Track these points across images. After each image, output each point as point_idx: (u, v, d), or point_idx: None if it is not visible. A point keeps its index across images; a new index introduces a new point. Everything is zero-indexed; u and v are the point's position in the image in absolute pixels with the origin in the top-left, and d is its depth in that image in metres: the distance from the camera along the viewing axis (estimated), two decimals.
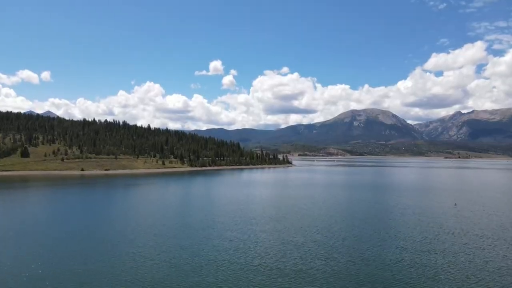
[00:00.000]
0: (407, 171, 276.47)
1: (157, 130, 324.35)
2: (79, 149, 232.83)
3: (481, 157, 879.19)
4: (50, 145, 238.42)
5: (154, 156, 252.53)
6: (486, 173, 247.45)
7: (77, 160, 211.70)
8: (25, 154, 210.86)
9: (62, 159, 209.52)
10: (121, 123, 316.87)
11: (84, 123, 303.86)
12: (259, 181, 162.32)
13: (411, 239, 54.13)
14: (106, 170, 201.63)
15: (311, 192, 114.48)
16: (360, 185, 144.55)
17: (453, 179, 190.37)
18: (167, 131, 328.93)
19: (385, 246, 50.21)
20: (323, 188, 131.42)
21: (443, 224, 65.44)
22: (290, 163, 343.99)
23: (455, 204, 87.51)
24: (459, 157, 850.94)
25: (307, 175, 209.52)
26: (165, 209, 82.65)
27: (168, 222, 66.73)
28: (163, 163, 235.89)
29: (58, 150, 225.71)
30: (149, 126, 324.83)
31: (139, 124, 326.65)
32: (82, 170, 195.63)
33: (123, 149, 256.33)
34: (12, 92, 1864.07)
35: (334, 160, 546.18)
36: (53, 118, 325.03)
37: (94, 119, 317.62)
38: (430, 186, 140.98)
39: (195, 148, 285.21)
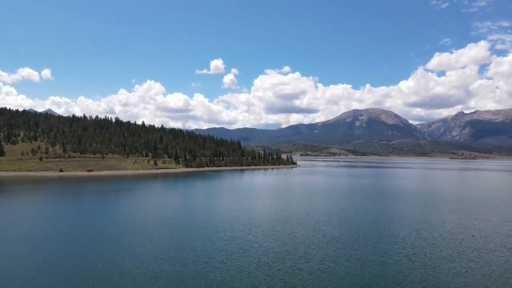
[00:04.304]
0: (426, 173, 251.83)
1: (152, 128, 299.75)
2: (62, 147, 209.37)
3: (487, 157, 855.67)
4: (31, 142, 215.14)
5: (146, 156, 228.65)
6: None
7: (57, 159, 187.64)
8: None
9: (41, 159, 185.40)
10: (113, 120, 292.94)
11: (72, 120, 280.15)
12: (263, 187, 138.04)
13: None
14: (89, 171, 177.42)
15: (333, 205, 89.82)
16: (388, 192, 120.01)
17: (488, 184, 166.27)
18: (162, 128, 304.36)
19: None
20: (344, 197, 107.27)
21: None
22: (295, 163, 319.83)
23: None
24: (465, 157, 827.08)
25: (317, 178, 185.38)
26: (119, 240, 51.43)
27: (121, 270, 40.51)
28: (155, 163, 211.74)
29: (39, 148, 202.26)
30: (143, 123, 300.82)
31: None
32: (61, 171, 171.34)
33: (113, 147, 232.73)
34: (13, 90, 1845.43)
35: (340, 161, 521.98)
36: (39, 114, 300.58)
37: (84, 115, 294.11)
38: (477, 195, 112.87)
39: (192, 147, 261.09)
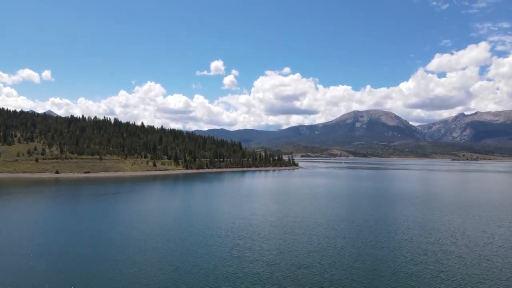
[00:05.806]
0: (429, 175, 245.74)
1: (151, 129, 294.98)
2: (59, 148, 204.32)
3: (489, 159, 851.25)
4: (27, 143, 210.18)
5: (146, 157, 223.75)
6: None
7: (54, 161, 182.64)
8: None
9: (37, 160, 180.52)
10: (112, 120, 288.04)
11: (70, 120, 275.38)
12: (265, 189, 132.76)
13: None
14: (86, 172, 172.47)
15: (341, 210, 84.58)
16: (396, 195, 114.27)
17: (498, 186, 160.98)
18: (161, 129, 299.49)
19: None
20: (351, 201, 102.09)
21: None
22: (296, 165, 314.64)
23: None
24: (467, 159, 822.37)
25: (320, 180, 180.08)
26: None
27: None
28: (154, 165, 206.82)
29: (35, 149, 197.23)
30: (142, 123, 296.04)
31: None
32: (57, 172, 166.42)
33: (111, 148, 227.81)
34: (13, 91, 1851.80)
35: (341, 162, 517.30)
36: (37, 115, 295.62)
37: (82, 116, 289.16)
38: (491, 198, 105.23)
39: (192, 148, 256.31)
